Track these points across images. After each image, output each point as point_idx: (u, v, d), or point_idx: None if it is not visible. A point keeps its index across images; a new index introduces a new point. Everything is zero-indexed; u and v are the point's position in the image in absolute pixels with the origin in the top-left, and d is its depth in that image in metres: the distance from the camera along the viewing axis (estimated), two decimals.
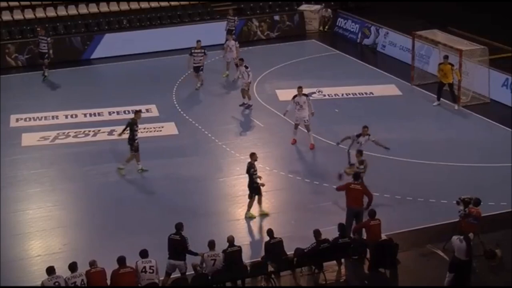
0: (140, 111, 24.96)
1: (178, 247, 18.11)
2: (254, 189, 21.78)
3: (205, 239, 18.37)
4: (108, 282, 17.49)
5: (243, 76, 29.08)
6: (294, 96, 26.05)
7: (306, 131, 25.91)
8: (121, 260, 17.63)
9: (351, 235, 19.55)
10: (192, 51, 31.35)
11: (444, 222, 20.50)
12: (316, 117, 26.11)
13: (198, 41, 31.60)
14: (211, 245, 18.14)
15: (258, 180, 21.81)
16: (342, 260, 19.24)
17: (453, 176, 23.80)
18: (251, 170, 21.76)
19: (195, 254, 18.23)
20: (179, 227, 18.31)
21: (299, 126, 26.05)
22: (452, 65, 28.89)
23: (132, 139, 24.17)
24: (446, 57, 29.14)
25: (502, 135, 26.85)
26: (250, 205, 21.85)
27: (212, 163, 25.32)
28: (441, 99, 29.52)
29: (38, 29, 33.69)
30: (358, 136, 23.42)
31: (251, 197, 21.84)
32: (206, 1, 39.73)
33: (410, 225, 20.88)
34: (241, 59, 29.91)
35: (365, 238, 19.33)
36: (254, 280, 18.47)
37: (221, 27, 37.02)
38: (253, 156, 21.97)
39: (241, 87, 29.36)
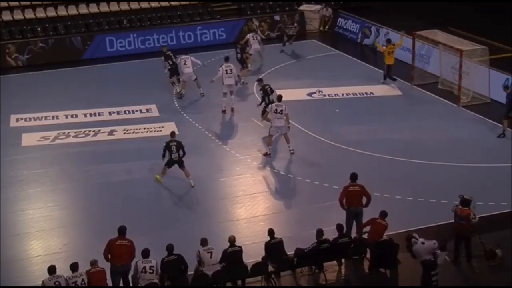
0: None
1: (177, 266, 17.81)
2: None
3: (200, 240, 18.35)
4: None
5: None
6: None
7: None
8: (121, 231, 18.01)
9: (357, 233, 19.59)
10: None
11: (444, 222, 20.47)
12: (316, 117, 26.07)
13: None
14: (204, 241, 18.11)
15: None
16: (343, 260, 19.24)
17: (453, 176, 23.77)
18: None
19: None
20: (171, 248, 17.91)
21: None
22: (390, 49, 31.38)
23: None
24: (388, 40, 32.08)
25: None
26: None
27: (212, 163, 25.32)
28: (443, 99, 29.75)
29: None
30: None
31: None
32: (206, 1, 39.76)
33: (410, 225, 20.84)
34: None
35: (365, 237, 19.32)
36: (255, 280, 18.47)
37: (220, 27, 37.31)
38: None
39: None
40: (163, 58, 31.18)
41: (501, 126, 26.56)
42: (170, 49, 31.99)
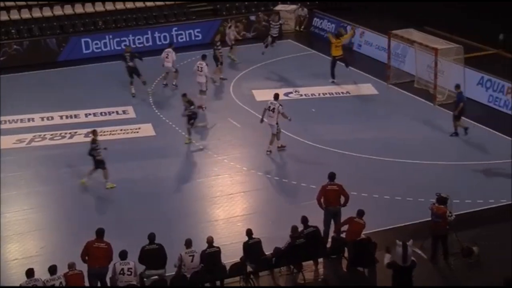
0: None
1: (158, 255, 17.95)
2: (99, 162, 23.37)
3: (184, 240, 18.30)
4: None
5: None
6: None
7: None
8: (99, 233, 18.02)
9: (335, 233, 19.63)
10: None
11: (422, 220, 20.55)
12: (293, 117, 26.08)
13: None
14: (188, 243, 18.13)
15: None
16: (320, 260, 19.27)
17: (430, 175, 23.89)
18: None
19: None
20: (153, 237, 18.11)
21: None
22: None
23: None
24: (337, 35, 32.52)
25: (478, 133, 26.95)
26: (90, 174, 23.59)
27: (189, 164, 25.30)
28: (419, 98, 30.07)
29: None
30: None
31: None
32: (182, 2, 39.69)
33: (387, 224, 20.96)
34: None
35: (343, 236, 19.35)
36: (233, 281, 18.45)
37: (196, 27, 37.36)
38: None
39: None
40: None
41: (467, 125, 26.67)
42: (147, 50, 32.06)
